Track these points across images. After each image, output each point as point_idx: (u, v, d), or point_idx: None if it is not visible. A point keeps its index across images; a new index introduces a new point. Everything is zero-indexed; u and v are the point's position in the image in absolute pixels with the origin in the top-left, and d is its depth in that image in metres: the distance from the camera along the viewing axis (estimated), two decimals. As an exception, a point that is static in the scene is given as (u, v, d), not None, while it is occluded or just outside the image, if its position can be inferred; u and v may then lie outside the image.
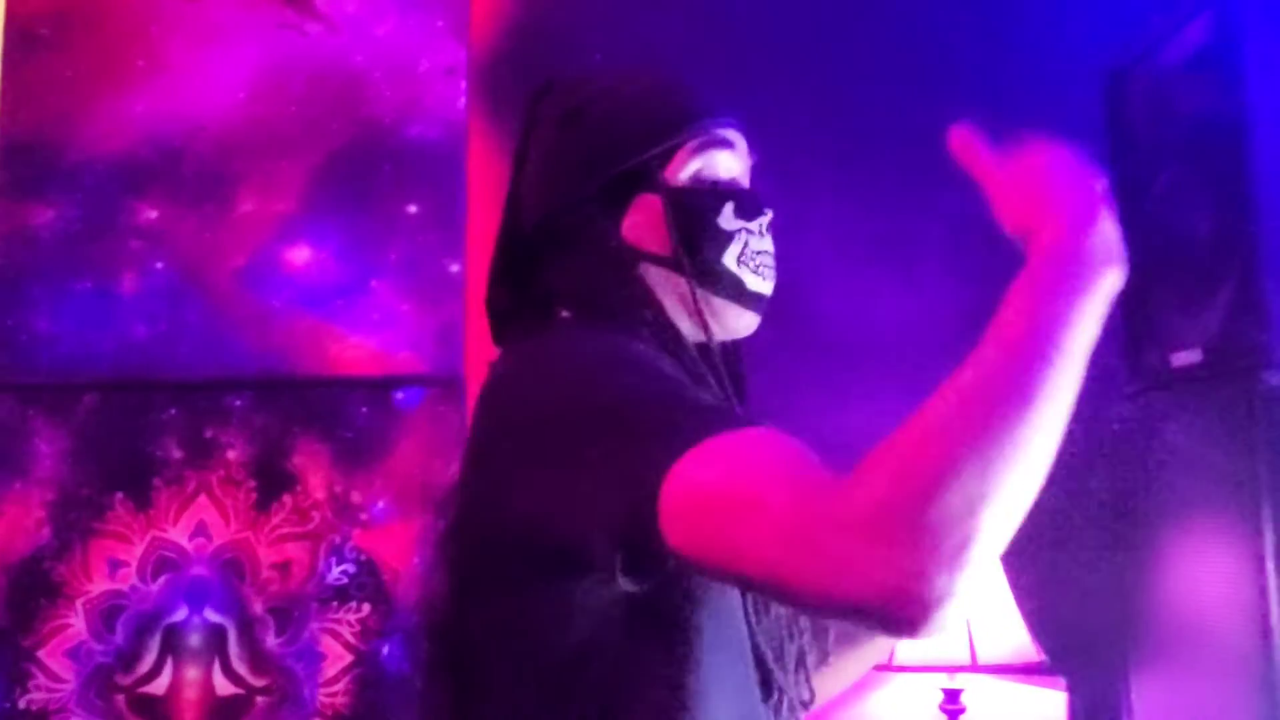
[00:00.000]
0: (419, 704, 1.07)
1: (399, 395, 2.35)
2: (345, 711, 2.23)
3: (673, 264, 1.00)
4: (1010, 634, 2.00)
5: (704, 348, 1.01)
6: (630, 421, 0.83)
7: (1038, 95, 2.34)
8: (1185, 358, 1.75)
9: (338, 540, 2.28)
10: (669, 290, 1.01)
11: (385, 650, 2.25)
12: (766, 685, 0.96)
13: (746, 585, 0.85)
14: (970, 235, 2.47)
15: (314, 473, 2.31)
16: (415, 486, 2.30)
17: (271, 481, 2.29)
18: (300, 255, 2.39)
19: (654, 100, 1.04)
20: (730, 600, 0.93)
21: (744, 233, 1.02)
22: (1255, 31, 1.63)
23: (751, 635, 0.95)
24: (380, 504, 2.31)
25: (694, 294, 0.99)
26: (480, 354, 2.46)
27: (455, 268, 2.39)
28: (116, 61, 2.40)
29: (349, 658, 2.24)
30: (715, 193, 1.02)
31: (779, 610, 0.98)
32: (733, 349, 1.07)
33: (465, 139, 2.42)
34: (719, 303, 1.01)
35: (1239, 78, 1.63)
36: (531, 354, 0.99)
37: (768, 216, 1.04)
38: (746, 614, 0.95)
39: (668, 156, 1.01)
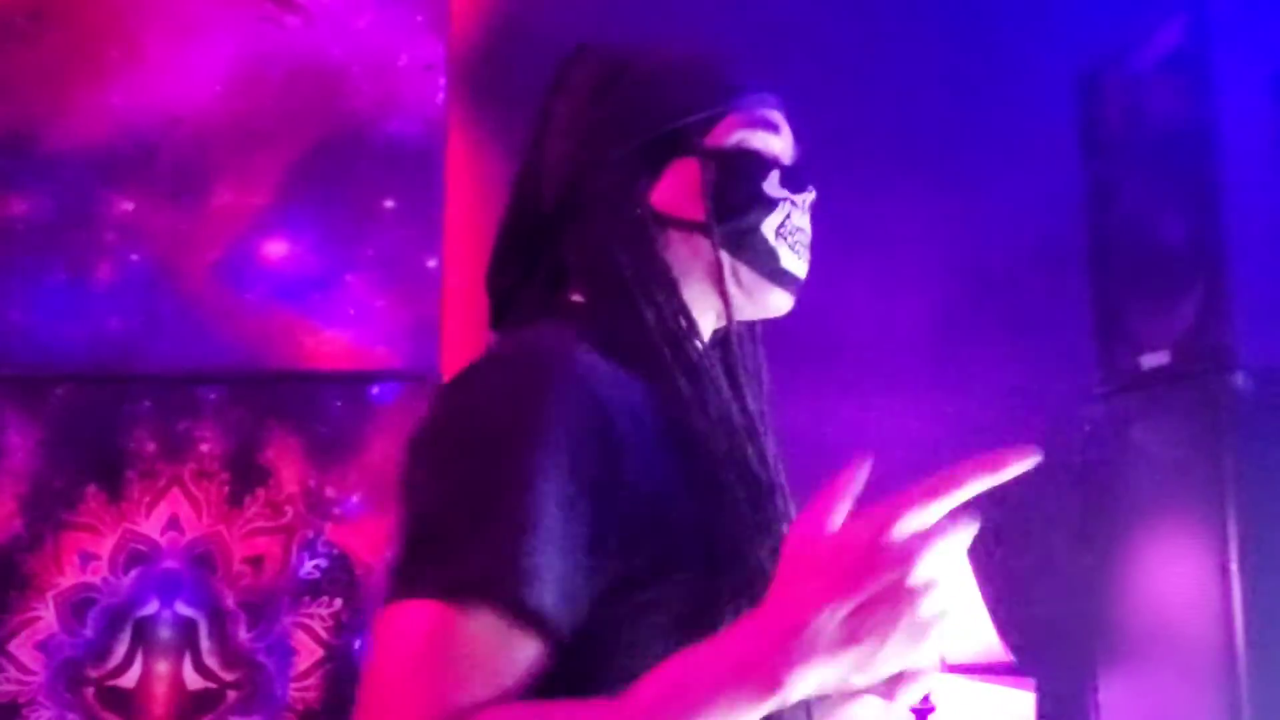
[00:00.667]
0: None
1: (374, 390, 2.34)
2: (317, 706, 2.22)
3: (704, 229, 0.93)
4: (979, 635, 2.01)
5: (723, 339, 0.96)
6: (459, 524, 0.79)
7: (1013, 97, 2.35)
8: (1154, 359, 1.77)
9: (310, 535, 2.28)
10: (696, 264, 0.95)
11: (357, 645, 2.25)
12: None
13: None
14: (945, 235, 2.50)
15: (287, 466, 2.30)
16: (389, 481, 2.29)
17: (244, 475, 2.28)
18: (276, 249, 2.38)
19: (700, 67, 1.00)
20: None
21: (788, 203, 0.96)
22: (1225, 36, 1.65)
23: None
24: (353, 499, 2.30)
25: (718, 259, 0.93)
26: (457, 349, 2.47)
27: (432, 263, 2.39)
28: (92, 53, 2.39)
29: (320, 652, 2.24)
30: (760, 160, 0.96)
31: None
32: (751, 340, 1.02)
33: (444, 135, 2.42)
34: (749, 277, 0.95)
35: (1209, 83, 1.65)
36: (478, 368, 0.90)
37: (812, 194, 0.99)
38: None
39: (711, 124, 0.96)
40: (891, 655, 0.68)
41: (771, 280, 0.95)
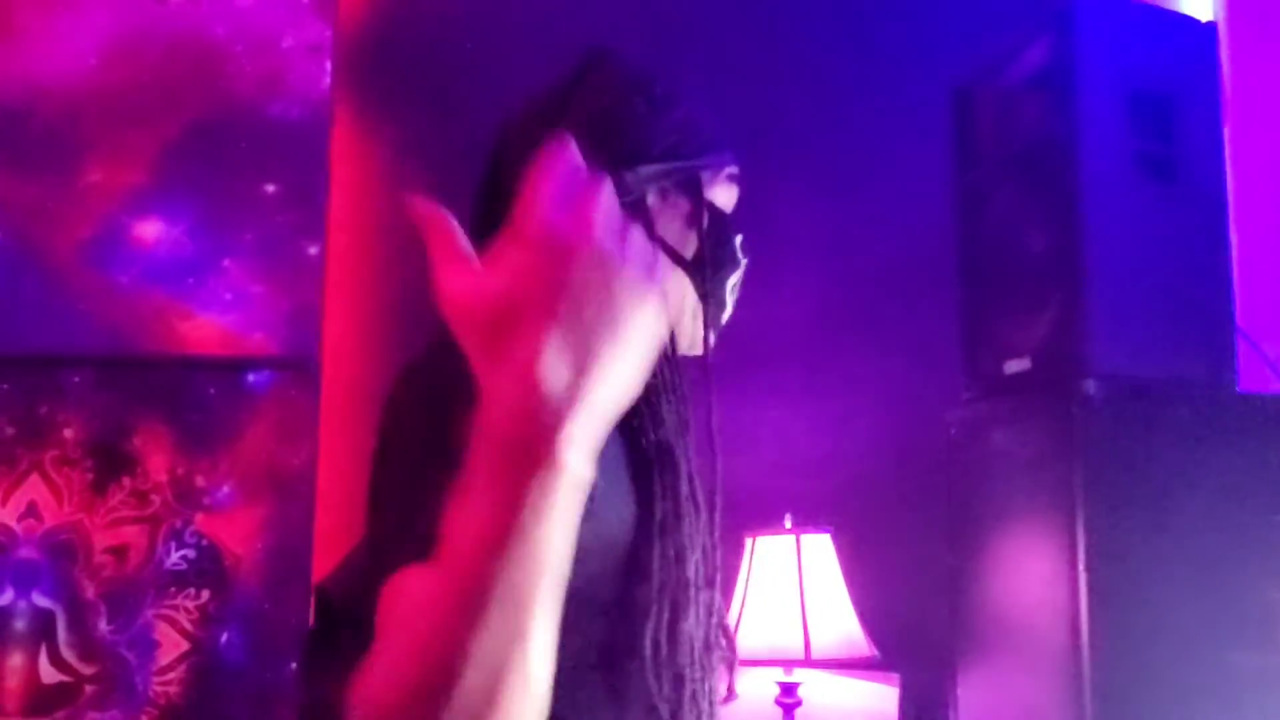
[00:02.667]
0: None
1: (250, 377, 2.29)
2: (179, 701, 2.17)
3: (690, 268, 1.00)
4: (845, 630, 2.06)
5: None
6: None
7: (891, 108, 2.41)
8: (1016, 366, 1.82)
9: (178, 524, 2.22)
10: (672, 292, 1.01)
11: (224, 638, 2.20)
12: (677, 685, 0.93)
13: None
14: (823, 240, 2.54)
15: (155, 454, 2.23)
16: (262, 471, 2.25)
17: (110, 462, 2.21)
18: (150, 230, 2.31)
19: (709, 118, 1.07)
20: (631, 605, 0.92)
21: (742, 265, 1.06)
22: (1088, 56, 1.71)
23: (655, 641, 0.92)
24: (225, 488, 2.25)
25: (718, 294, 1.01)
26: (337, 338, 2.43)
27: (314, 250, 2.34)
28: (-43, 18, 2.29)
29: (185, 645, 2.18)
30: (731, 220, 1.06)
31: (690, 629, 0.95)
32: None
33: (329, 119, 2.37)
34: (700, 319, 1.03)
35: (1071, 100, 1.71)
36: (413, 365, 0.95)
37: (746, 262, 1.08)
38: (656, 627, 0.93)
39: (714, 172, 1.04)
40: (630, 351, 0.54)
41: (711, 326, 1.03)
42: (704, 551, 0.98)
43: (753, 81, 2.44)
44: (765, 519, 2.15)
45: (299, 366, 2.31)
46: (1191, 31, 1.82)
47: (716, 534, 1.01)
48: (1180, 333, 1.71)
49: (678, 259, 1.00)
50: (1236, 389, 1.78)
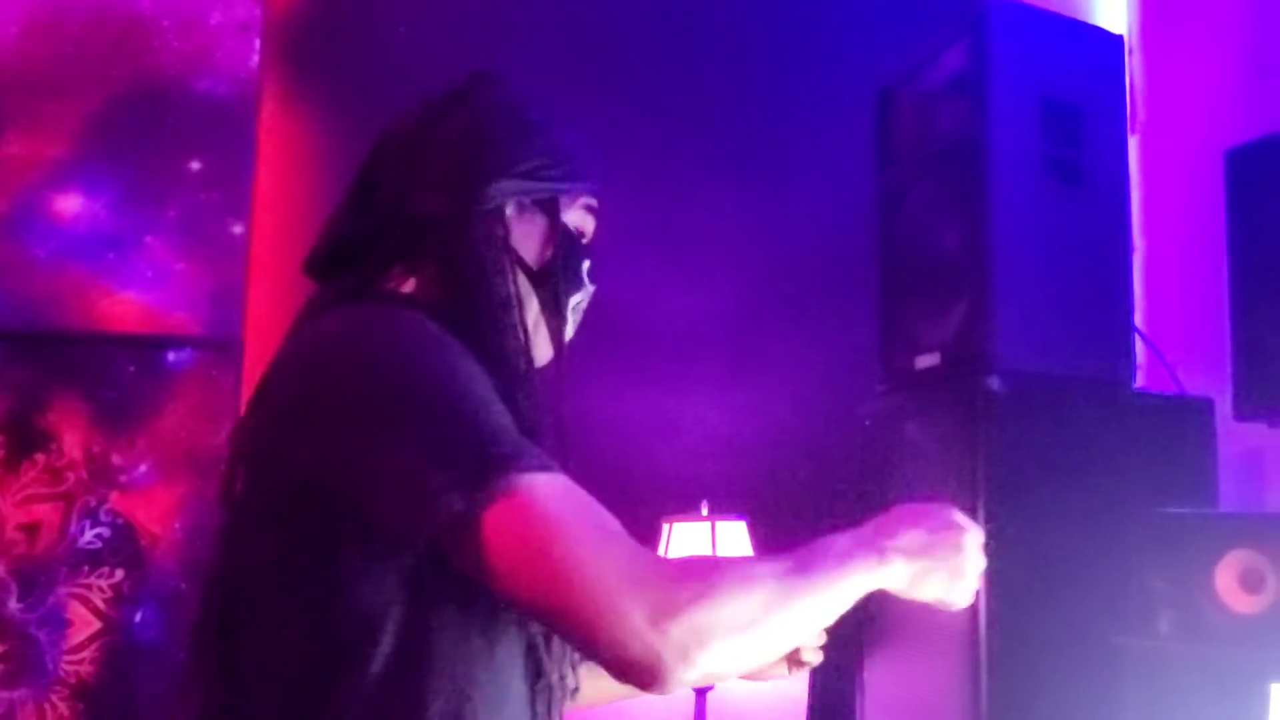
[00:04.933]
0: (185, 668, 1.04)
1: (170, 356, 2.27)
2: (90, 680, 2.15)
3: (536, 280, 1.09)
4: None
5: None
6: (465, 424, 0.89)
7: (817, 107, 2.46)
8: (927, 360, 1.88)
9: (93, 502, 2.20)
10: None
11: (138, 617, 2.18)
12: (536, 670, 1.01)
13: (526, 613, 0.93)
14: (748, 235, 2.59)
15: (71, 431, 2.21)
16: (181, 450, 2.24)
17: (23, 438, 2.18)
18: (70, 204, 2.28)
19: (582, 147, 1.15)
20: None
21: (587, 288, 1.14)
22: (1002, 62, 1.76)
23: (528, 624, 0.99)
24: (142, 467, 2.23)
25: (558, 308, 1.09)
26: (261, 318, 2.41)
27: (238, 229, 2.33)
28: None
29: (98, 624, 2.16)
30: (584, 245, 1.14)
31: None
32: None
33: (256, 98, 2.36)
34: (542, 330, 1.10)
35: (985, 104, 1.76)
36: (368, 319, 0.98)
37: (594, 288, 1.16)
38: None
39: (573, 196, 1.12)
40: (941, 581, 1.04)
41: (551, 339, 1.10)
42: None
43: (679, 78, 2.47)
44: (682, 505, 2.18)
45: (221, 346, 2.29)
46: (1101, 43, 1.88)
47: None
48: (1081, 332, 1.78)
49: (524, 268, 1.08)
50: (1133, 387, 1.86)
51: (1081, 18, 2.26)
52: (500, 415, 0.91)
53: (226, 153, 2.33)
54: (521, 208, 1.09)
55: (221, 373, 2.29)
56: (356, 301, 1.03)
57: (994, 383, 1.68)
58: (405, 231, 1.06)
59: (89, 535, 2.19)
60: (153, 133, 2.30)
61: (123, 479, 2.22)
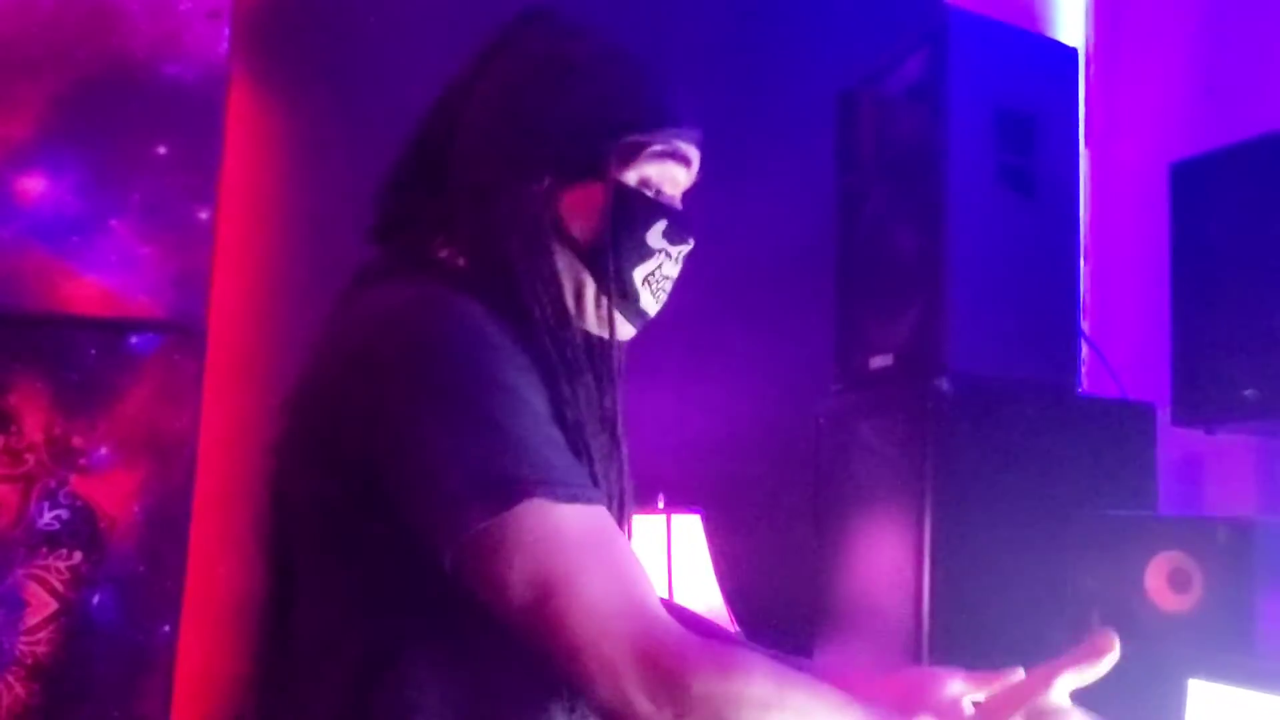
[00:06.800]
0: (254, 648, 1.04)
1: (133, 339, 2.28)
2: (46, 661, 2.15)
3: (587, 258, 0.98)
4: (710, 607, 2.14)
5: (587, 339, 1.00)
6: (498, 434, 0.85)
7: (780, 109, 2.50)
8: (881, 361, 1.92)
9: (53, 484, 2.20)
10: (569, 278, 0.99)
11: (96, 600, 2.19)
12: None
13: (527, 639, 0.86)
14: (709, 234, 2.61)
15: (31, 413, 2.21)
16: (142, 433, 2.24)
17: (-18, 419, 2.18)
18: (34, 185, 2.27)
19: (640, 88, 1.02)
20: None
21: (662, 254, 1.01)
22: (959, 72, 1.81)
23: None
24: (103, 450, 2.23)
25: (609, 294, 0.99)
26: (225, 303, 2.42)
27: (205, 214, 2.33)
28: None
29: (55, 605, 2.17)
30: (654, 206, 1.01)
31: None
32: (609, 349, 1.06)
33: (225, 84, 2.36)
34: (607, 307, 1.00)
35: (943, 111, 1.80)
36: (420, 303, 0.91)
37: (689, 246, 1.04)
38: None
39: (633, 151, 0.99)
40: None
41: (625, 315, 1.01)
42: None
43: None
44: (639, 498, 2.22)
45: (184, 330, 2.30)
46: (1056, 55, 1.93)
47: (627, 524, 1.04)
48: (1030, 336, 1.83)
49: (571, 244, 0.98)
50: (1078, 391, 1.92)
51: (1042, 30, 2.31)
52: (539, 427, 0.87)
53: (193, 138, 2.34)
54: (564, 175, 0.97)
55: (184, 357, 2.29)
56: (407, 275, 0.98)
57: (944, 384, 1.73)
58: (445, 204, 0.99)
59: (48, 517, 2.19)
60: (120, 116, 2.30)
61: (83, 461, 2.22)
